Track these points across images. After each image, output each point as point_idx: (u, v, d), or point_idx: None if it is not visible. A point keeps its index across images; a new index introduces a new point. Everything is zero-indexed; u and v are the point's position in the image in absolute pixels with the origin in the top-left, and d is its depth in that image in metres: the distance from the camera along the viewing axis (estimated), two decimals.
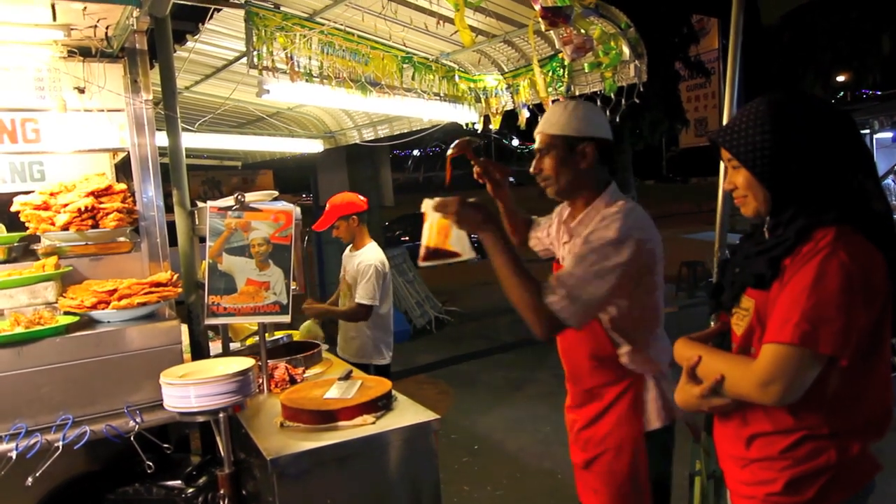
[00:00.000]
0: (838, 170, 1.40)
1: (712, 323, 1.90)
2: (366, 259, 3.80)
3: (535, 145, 2.07)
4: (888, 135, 8.22)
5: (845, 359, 1.32)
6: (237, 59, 3.79)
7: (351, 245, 3.98)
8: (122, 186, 2.64)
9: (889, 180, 8.44)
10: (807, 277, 1.32)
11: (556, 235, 2.23)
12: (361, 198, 3.94)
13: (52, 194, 2.55)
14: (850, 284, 1.30)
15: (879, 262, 1.35)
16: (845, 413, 1.40)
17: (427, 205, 1.86)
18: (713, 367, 1.46)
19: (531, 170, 2.08)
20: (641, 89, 3.09)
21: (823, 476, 1.39)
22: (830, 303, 1.30)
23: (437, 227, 1.89)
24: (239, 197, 2.45)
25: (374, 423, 2.10)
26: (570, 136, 1.99)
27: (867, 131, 8.11)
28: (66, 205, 2.47)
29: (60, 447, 2.06)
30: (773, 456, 1.44)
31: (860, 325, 1.32)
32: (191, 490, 2.28)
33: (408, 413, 2.20)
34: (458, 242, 1.89)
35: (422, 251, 1.94)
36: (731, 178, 1.51)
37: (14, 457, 2.01)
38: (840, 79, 13.15)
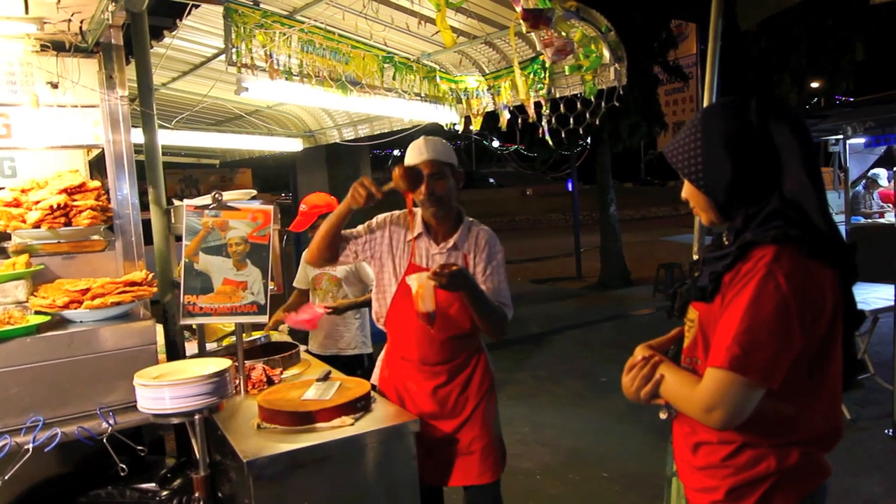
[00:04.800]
0: (768, 178, 1.38)
1: None
2: None
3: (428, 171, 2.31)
4: (861, 140, 8.37)
5: (774, 385, 1.31)
6: (215, 56, 3.75)
7: None
8: (97, 184, 2.59)
9: (860, 187, 8.61)
10: (743, 300, 1.31)
11: (403, 247, 2.47)
12: (332, 197, 3.95)
13: (23, 191, 2.49)
14: (785, 309, 1.28)
15: (824, 279, 1.33)
16: (786, 429, 1.39)
17: (419, 277, 2.12)
18: (664, 387, 1.45)
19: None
20: (621, 92, 3.12)
21: (764, 483, 1.39)
22: (763, 328, 1.28)
23: (426, 291, 2.13)
24: (216, 195, 2.42)
25: (352, 424, 2.09)
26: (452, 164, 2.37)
27: (840, 136, 8.26)
28: (37, 202, 2.42)
29: (30, 449, 2.01)
30: (716, 464, 1.44)
31: (795, 349, 1.31)
32: (165, 493, 2.25)
33: (386, 414, 2.19)
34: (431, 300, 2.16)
35: (424, 317, 2.16)
36: (684, 188, 1.52)
37: None
38: (814, 85, 13.37)
